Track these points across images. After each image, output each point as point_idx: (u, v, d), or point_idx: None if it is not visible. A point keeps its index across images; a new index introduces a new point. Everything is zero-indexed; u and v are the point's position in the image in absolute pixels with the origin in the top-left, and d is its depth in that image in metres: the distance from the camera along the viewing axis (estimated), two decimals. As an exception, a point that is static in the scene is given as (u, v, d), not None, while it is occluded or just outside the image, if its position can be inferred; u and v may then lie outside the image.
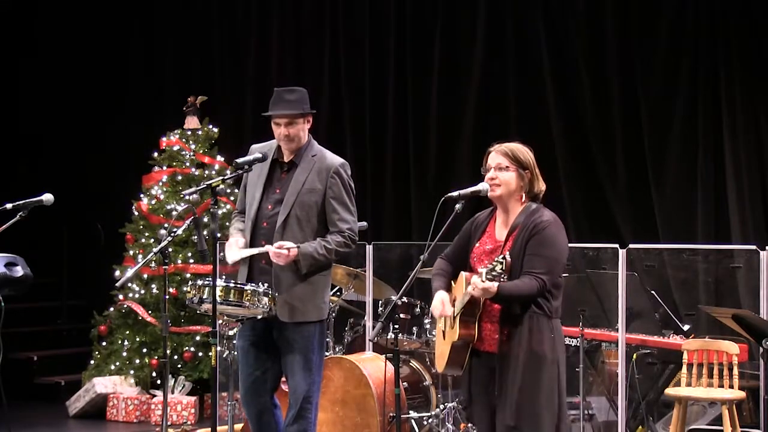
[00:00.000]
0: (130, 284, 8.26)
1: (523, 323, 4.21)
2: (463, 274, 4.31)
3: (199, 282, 4.95)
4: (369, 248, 7.30)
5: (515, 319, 4.22)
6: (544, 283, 4.17)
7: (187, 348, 8.13)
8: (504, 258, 4.02)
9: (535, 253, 4.21)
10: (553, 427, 4.20)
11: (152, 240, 8.32)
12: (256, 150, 5.12)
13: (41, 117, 10.75)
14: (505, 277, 4.04)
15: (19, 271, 5.64)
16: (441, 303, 4.38)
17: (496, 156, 4.38)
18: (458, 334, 4.26)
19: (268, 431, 5.11)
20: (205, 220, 5.59)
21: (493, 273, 4.00)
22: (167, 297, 5.39)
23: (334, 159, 5.10)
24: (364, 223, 6.19)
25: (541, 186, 4.41)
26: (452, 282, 4.46)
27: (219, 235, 4.90)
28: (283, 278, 4.95)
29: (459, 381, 6.40)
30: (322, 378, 5.20)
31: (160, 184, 8.57)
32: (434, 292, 4.44)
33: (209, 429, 4.90)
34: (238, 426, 6.48)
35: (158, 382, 8.23)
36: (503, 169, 4.35)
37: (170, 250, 5.53)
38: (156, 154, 8.74)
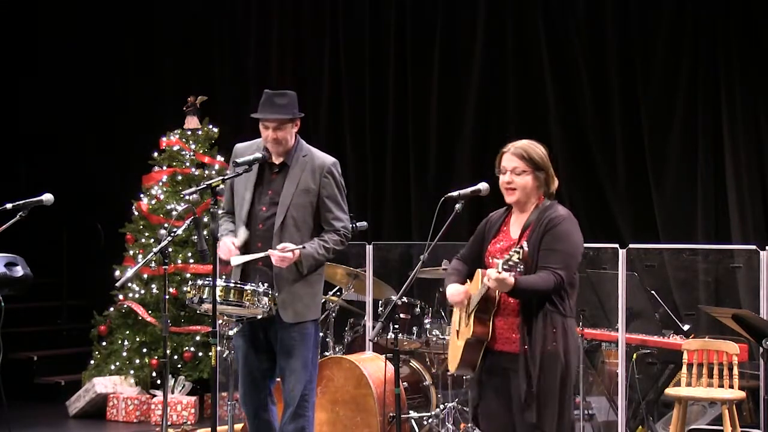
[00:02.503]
0: (130, 284, 8.26)
1: (538, 321, 4.18)
2: (479, 272, 4.28)
3: (199, 282, 4.97)
4: (369, 248, 7.30)
5: (531, 317, 4.19)
6: (561, 279, 4.14)
7: (187, 348, 8.14)
8: (521, 248, 3.96)
9: (550, 248, 4.19)
10: (570, 425, 4.20)
11: (152, 240, 8.31)
12: (241, 150, 5.15)
13: (41, 117, 10.75)
14: (522, 266, 4.00)
15: (19, 271, 5.64)
16: (456, 289, 4.35)
17: (511, 158, 4.33)
18: (472, 331, 4.22)
19: (266, 428, 5.14)
20: (205, 220, 5.59)
21: (510, 263, 3.96)
22: (167, 297, 5.39)
23: (325, 158, 5.13)
24: (364, 223, 6.20)
25: (555, 184, 4.40)
26: (468, 281, 4.44)
27: (219, 235, 4.92)
28: (283, 279, 4.98)
29: (460, 381, 6.41)
30: (317, 376, 5.23)
31: (160, 184, 8.57)
32: (446, 286, 4.43)
33: (209, 429, 4.90)
34: (238, 426, 6.48)
35: (158, 382, 8.24)
36: (520, 173, 4.31)
37: (170, 250, 5.53)
38: (156, 154, 8.74)
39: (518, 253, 3.96)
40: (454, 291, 4.38)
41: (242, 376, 5.13)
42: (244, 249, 5.03)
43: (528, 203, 4.35)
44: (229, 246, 4.97)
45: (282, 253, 4.88)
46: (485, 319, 4.23)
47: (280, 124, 4.98)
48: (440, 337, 6.78)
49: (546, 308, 4.19)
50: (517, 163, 4.31)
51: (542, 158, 4.34)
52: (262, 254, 4.95)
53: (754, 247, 6.66)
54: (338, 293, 7.00)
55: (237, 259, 4.98)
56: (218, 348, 4.93)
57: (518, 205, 4.37)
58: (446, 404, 6.58)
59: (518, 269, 3.99)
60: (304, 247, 4.93)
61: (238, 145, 5.25)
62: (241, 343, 5.13)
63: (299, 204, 5.02)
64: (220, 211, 5.16)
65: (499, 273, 3.98)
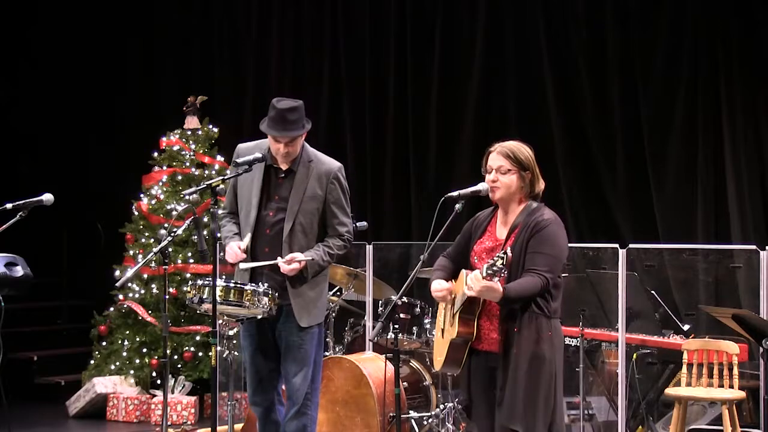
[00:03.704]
0: (130, 284, 8.26)
1: (522, 323, 4.20)
2: (464, 272, 4.30)
3: (199, 282, 4.99)
4: (369, 248, 7.30)
5: (514, 319, 4.21)
6: (547, 281, 4.16)
7: (187, 348, 8.14)
8: (505, 253, 4.00)
9: (536, 250, 4.20)
10: (545, 428, 4.19)
11: (152, 240, 8.32)
12: (244, 151, 5.13)
13: (41, 117, 10.75)
14: (506, 272, 4.03)
15: (19, 271, 5.64)
16: (439, 283, 4.39)
17: (497, 158, 4.37)
18: (457, 331, 4.25)
19: (275, 428, 5.17)
20: (205, 220, 5.60)
21: (494, 268, 3.98)
22: (167, 297, 5.39)
23: (332, 163, 5.14)
24: (364, 223, 6.20)
25: (541, 185, 4.41)
26: (453, 280, 4.46)
27: (219, 235, 4.92)
28: (294, 284, 5.02)
29: (459, 381, 6.42)
30: (321, 376, 5.26)
31: (160, 184, 8.57)
32: (432, 281, 4.45)
33: (209, 429, 4.91)
34: (238, 426, 6.48)
35: (158, 382, 8.24)
36: (505, 172, 4.34)
37: (170, 250, 5.53)
38: (156, 154, 8.74)
39: (502, 259, 3.98)
40: (437, 287, 4.41)
41: (250, 376, 5.16)
42: (251, 253, 5.06)
43: (512, 202, 4.37)
44: (236, 251, 4.99)
45: (289, 266, 4.92)
46: (470, 320, 4.26)
47: (292, 139, 5.00)
48: (440, 337, 6.78)
49: (531, 310, 4.21)
50: (502, 162, 4.35)
51: (528, 158, 4.36)
52: (270, 262, 4.99)
53: (754, 247, 6.66)
54: (338, 293, 6.99)
55: (245, 265, 5.00)
56: (218, 348, 4.94)
57: (503, 204, 4.40)
58: (446, 404, 6.58)
59: (502, 275, 4.00)
60: (312, 259, 4.97)
61: (241, 146, 5.23)
62: (248, 344, 5.16)
63: (307, 210, 5.04)
64: (220, 211, 5.16)
65: (484, 278, 4.00)
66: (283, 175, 5.09)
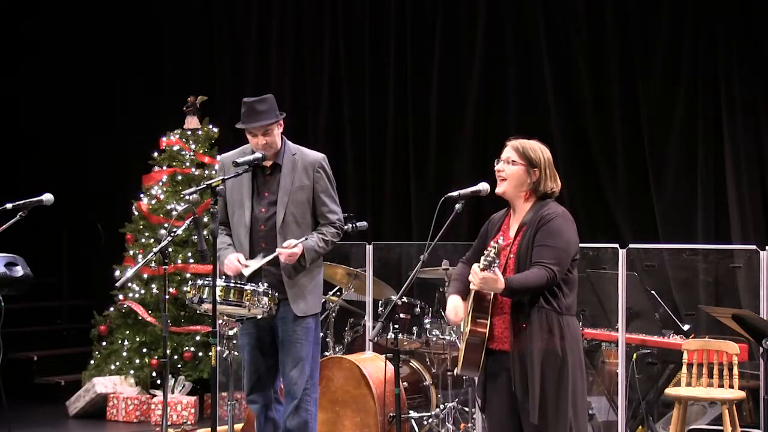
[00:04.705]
0: (130, 284, 8.27)
1: (532, 320, 4.16)
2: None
3: (199, 282, 5.02)
4: (369, 248, 7.30)
5: (525, 316, 4.18)
6: (554, 273, 4.12)
7: (187, 348, 8.14)
8: (497, 243, 4.01)
9: (542, 243, 4.18)
10: (571, 423, 4.15)
11: (152, 240, 8.32)
12: (227, 159, 5.26)
13: (41, 117, 10.76)
14: (498, 261, 4.03)
15: (19, 271, 5.64)
16: (453, 308, 4.36)
17: (508, 149, 4.38)
18: (470, 330, 4.24)
19: (273, 426, 5.21)
20: (205, 220, 5.60)
21: (488, 259, 3.98)
22: (167, 297, 5.40)
23: (315, 154, 5.31)
24: (364, 223, 6.20)
25: (551, 185, 4.36)
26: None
27: (218, 248, 4.97)
28: (291, 275, 5.11)
29: (460, 381, 6.41)
30: (319, 372, 5.32)
31: (160, 184, 8.58)
32: (448, 297, 4.43)
33: (209, 429, 4.91)
34: (238, 426, 6.48)
35: (158, 382, 8.24)
36: (510, 162, 4.34)
37: (170, 250, 5.53)
38: (156, 154, 8.75)
39: (494, 248, 4.00)
40: (450, 308, 4.38)
41: (248, 374, 5.21)
42: (249, 252, 5.14)
43: (519, 199, 4.36)
44: (236, 264, 5.06)
45: (289, 250, 5.01)
46: (482, 318, 4.23)
47: (267, 128, 5.13)
48: (440, 337, 6.78)
49: (540, 305, 4.18)
50: (510, 154, 4.36)
51: (539, 157, 4.34)
52: (270, 256, 5.05)
53: (754, 247, 6.66)
54: (338, 293, 7.00)
55: (248, 269, 5.05)
56: (218, 348, 4.94)
57: (510, 200, 4.39)
58: (446, 404, 6.59)
59: (496, 264, 4.00)
60: (306, 239, 5.07)
61: (223, 156, 5.42)
62: (247, 342, 5.21)
63: (297, 201, 5.16)
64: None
65: (482, 271, 4.00)
66: (269, 172, 5.21)
